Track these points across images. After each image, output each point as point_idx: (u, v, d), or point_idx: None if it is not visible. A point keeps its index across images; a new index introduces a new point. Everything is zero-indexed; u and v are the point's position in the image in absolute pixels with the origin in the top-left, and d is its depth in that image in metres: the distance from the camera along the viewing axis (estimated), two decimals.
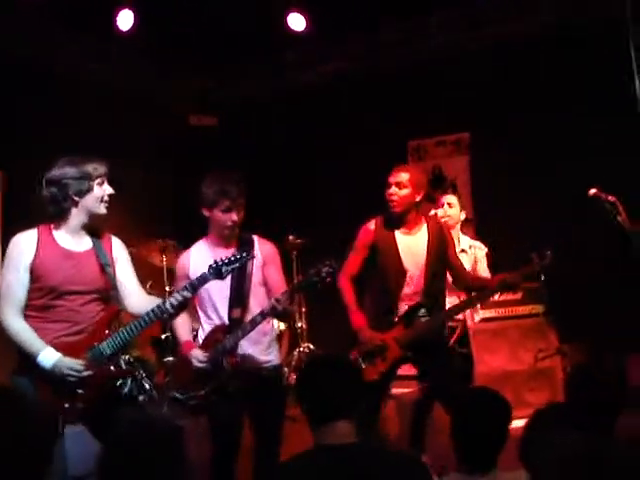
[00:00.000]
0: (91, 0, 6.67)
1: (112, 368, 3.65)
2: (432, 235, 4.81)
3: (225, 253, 4.18)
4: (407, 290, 4.75)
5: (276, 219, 7.65)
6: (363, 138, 8.05)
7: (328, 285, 4.07)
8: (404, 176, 4.73)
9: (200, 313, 4.36)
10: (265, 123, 8.69)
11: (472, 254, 5.96)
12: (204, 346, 4.21)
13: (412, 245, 4.78)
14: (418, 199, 4.76)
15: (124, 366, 3.83)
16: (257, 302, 4.22)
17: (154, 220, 8.09)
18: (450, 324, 5.49)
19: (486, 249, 6.01)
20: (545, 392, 6.29)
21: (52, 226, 3.70)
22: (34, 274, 3.59)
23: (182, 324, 4.33)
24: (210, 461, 4.21)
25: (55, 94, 7.48)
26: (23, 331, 3.57)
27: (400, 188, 4.71)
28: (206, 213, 4.24)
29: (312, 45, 8.19)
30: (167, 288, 7.22)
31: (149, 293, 6.93)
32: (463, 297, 5.32)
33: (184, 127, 8.89)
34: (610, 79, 6.86)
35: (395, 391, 6.07)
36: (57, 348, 3.54)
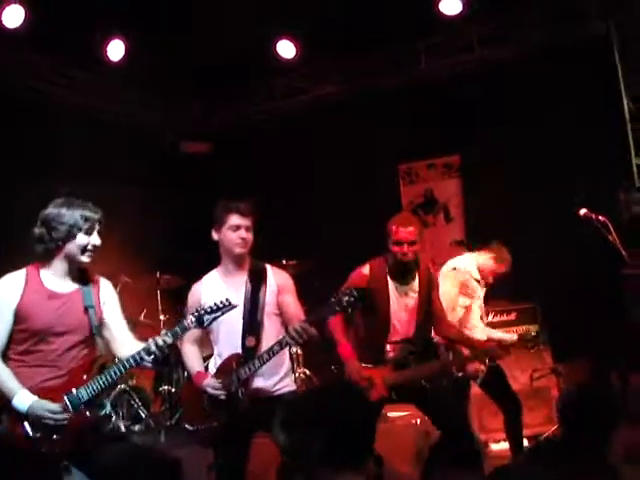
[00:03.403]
0: (81, 31, 6.69)
1: (87, 414, 3.54)
2: (423, 282, 4.85)
3: (236, 282, 4.22)
4: (394, 337, 4.81)
5: (271, 243, 7.66)
6: (355, 163, 8.09)
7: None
8: (413, 231, 4.73)
9: (212, 342, 4.36)
10: (258, 148, 8.73)
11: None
12: (218, 375, 4.19)
13: (403, 292, 4.83)
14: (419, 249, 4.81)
15: (108, 407, 3.76)
16: (271, 331, 4.21)
17: (149, 250, 8.08)
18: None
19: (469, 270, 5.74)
20: (541, 412, 6.31)
21: (40, 266, 3.67)
22: (19, 316, 3.54)
23: (191, 355, 4.33)
24: None
25: (46, 124, 7.50)
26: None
27: (413, 245, 4.73)
28: (215, 236, 4.24)
29: (303, 70, 8.25)
30: (161, 317, 7.23)
31: (143, 323, 7.00)
32: None
33: (176, 155, 8.92)
34: (599, 97, 6.93)
35: (390, 414, 6.09)
36: (38, 393, 3.48)
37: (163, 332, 3.70)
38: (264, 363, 4.07)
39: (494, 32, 7.51)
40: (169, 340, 3.57)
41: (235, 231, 4.19)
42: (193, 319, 3.69)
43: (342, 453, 2.29)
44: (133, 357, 3.56)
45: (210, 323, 3.78)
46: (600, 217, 5.19)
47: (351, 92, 8.25)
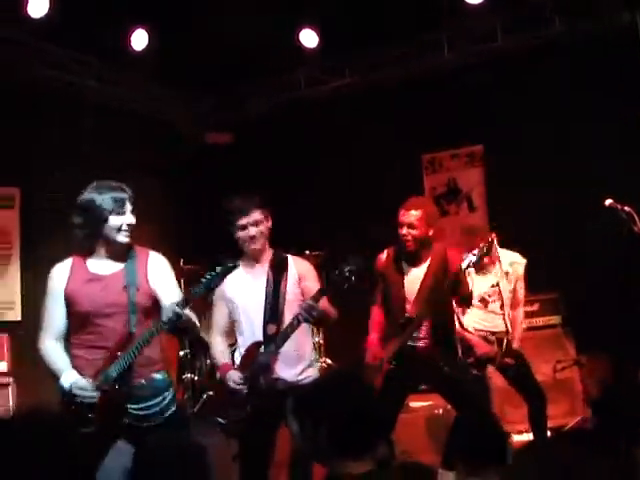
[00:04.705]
0: (104, 21, 6.71)
1: (118, 390, 3.61)
2: (433, 263, 4.85)
3: (258, 272, 4.32)
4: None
5: (293, 234, 7.68)
6: (378, 153, 8.06)
7: (354, 286, 4.08)
8: (415, 215, 4.77)
9: (237, 334, 4.43)
10: (280, 139, 8.72)
11: (514, 273, 5.60)
12: (241, 367, 4.25)
13: (417, 276, 4.86)
14: (431, 234, 4.82)
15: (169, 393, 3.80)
16: None
17: (171, 240, 8.13)
18: (493, 337, 5.52)
19: (525, 260, 5.65)
20: (564, 403, 6.29)
21: (86, 252, 3.79)
22: (68, 301, 3.71)
23: (218, 347, 4.41)
24: (238, 479, 4.24)
25: (70, 115, 7.57)
26: (51, 352, 3.70)
27: (412, 228, 4.76)
28: (235, 235, 4.34)
29: (325, 60, 8.23)
30: None
31: None
32: None
33: (199, 145, 8.94)
34: (623, 88, 6.86)
35: (412, 404, 6.10)
36: (90, 373, 3.61)
37: (174, 302, 3.64)
38: (282, 344, 4.13)
39: (518, 21, 7.43)
40: (178, 309, 3.55)
41: (243, 230, 4.29)
42: (201, 285, 3.65)
43: (350, 441, 2.32)
44: (150, 331, 3.62)
45: (216, 286, 3.77)
46: (626, 207, 5.15)
47: (375, 82, 8.21)
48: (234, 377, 4.18)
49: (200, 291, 3.64)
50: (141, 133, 8.13)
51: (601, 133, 6.95)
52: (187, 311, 3.60)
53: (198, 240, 8.19)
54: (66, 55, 7.45)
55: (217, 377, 4.65)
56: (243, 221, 4.27)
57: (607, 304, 6.57)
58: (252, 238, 4.28)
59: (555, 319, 6.74)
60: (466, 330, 5.37)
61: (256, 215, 4.28)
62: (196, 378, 7.13)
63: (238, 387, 4.15)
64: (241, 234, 4.30)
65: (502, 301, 5.53)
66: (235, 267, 3.78)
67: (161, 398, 3.74)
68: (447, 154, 8.24)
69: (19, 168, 7.21)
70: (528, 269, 5.67)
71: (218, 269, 3.70)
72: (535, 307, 6.78)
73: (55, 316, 3.74)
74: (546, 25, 7.29)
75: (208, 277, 3.65)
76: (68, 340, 3.76)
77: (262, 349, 4.20)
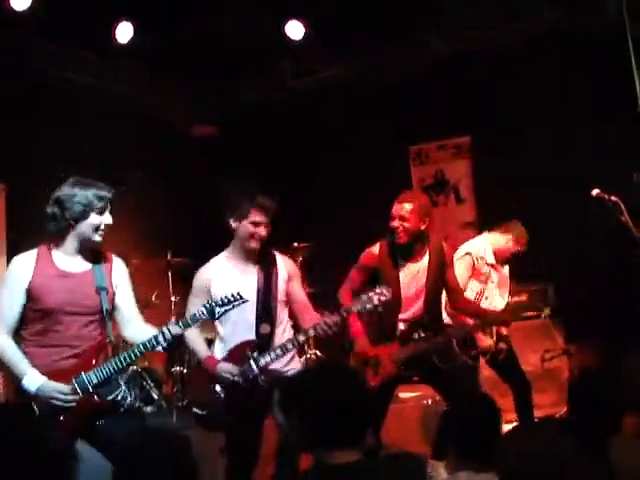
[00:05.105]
0: (88, 14, 6.67)
1: (95, 398, 3.55)
2: (433, 259, 4.83)
3: (247, 268, 4.26)
4: (404, 316, 4.82)
5: (279, 226, 7.66)
6: (365, 145, 8.06)
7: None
8: (407, 208, 4.72)
9: (220, 327, 4.33)
10: (266, 131, 8.69)
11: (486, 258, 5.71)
12: (231, 360, 4.19)
13: (413, 271, 4.82)
14: (423, 227, 4.77)
15: (123, 387, 3.75)
16: (283, 318, 4.30)
17: (159, 232, 8.11)
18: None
19: (487, 245, 5.74)
20: (552, 393, 6.30)
21: (51, 245, 3.68)
22: (31, 295, 3.59)
23: (197, 339, 4.32)
24: (225, 471, 4.22)
25: (55, 109, 7.52)
26: (8, 349, 3.58)
27: (404, 221, 4.72)
28: (233, 224, 4.25)
29: (311, 52, 8.20)
30: (172, 298, 7.24)
31: (155, 304, 7.03)
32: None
33: (185, 138, 8.90)
34: (611, 81, 6.86)
35: (401, 395, 6.11)
36: (49, 374, 3.51)
37: (173, 321, 3.67)
38: (287, 352, 4.15)
39: (507, 13, 7.42)
40: (179, 330, 3.59)
41: (255, 227, 4.20)
42: (205, 311, 3.69)
43: (336, 431, 2.32)
44: (144, 344, 3.59)
45: (221, 315, 3.77)
46: (612, 197, 5.16)
47: (361, 73, 8.19)
48: (231, 370, 4.12)
49: (203, 316, 3.67)
50: (127, 126, 8.07)
51: (589, 124, 6.95)
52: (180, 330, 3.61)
53: (185, 232, 8.17)
54: (48, 46, 7.39)
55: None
56: (260, 219, 4.19)
57: (596, 293, 6.59)
58: (260, 238, 4.22)
59: (543, 310, 6.75)
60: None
61: (271, 217, 4.24)
62: (185, 371, 7.10)
63: (234, 378, 4.10)
64: (251, 229, 4.19)
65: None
66: (244, 301, 3.79)
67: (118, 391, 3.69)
68: (434, 145, 8.24)
69: (6, 164, 7.16)
70: (516, 258, 5.70)
71: (224, 298, 3.73)
72: (523, 298, 6.79)
73: (11, 309, 3.58)
74: (536, 17, 7.28)
75: (212, 304, 3.68)
76: (18, 335, 3.62)
77: (256, 349, 4.15)
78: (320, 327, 4.06)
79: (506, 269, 5.84)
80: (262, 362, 4.11)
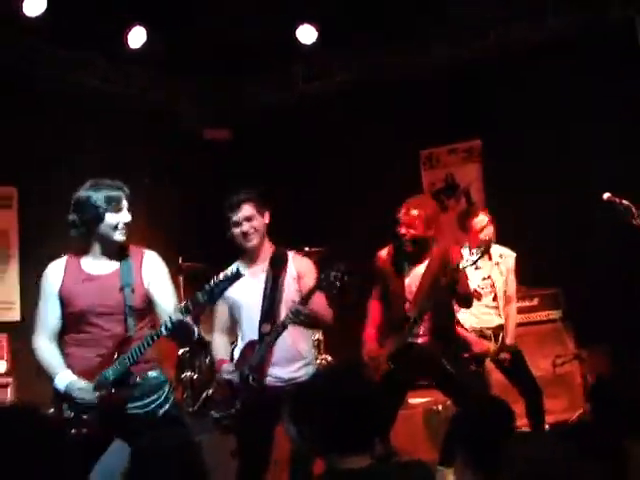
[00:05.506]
0: (101, 18, 6.71)
1: (115, 394, 3.60)
2: (432, 262, 4.81)
3: (256, 270, 4.27)
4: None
5: (291, 231, 7.66)
6: (376, 149, 8.05)
7: (343, 289, 4.03)
8: (414, 214, 4.73)
9: (238, 331, 4.41)
10: (278, 135, 8.70)
11: (504, 263, 5.66)
12: (237, 365, 4.23)
13: (417, 274, 4.83)
14: (430, 234, 4.78)
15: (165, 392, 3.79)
16: None
17: (170, 236, 8.11)
18: (489, 332, 5.55)
19: (514, 254, 5.72)
20: (564, 398, 6.29)
21: (80, 251, 3.77)
22: (63, 300, 3.71)
23: (218, 344, 4.38)
24: (236, 475, 4.23)
25: (65, 112, 7.55)
26: (45, 352, 3.70)
27: (410, 227, 4.73)
28: (230, 234, 4.30)
29: (323, 56, 8.21)
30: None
31: None
32: None
33: (197, 141, 8.92)
34: (620, 83, 6.83)
35: (411, 401, 6.09)
36: (83, 372, 3.61)
37: (177, 307, 3.63)
38: (270, 347, 4.11)
39: (515, 16, 7.41)
40: (181, 316, 3.54)
41: (237, 227, 4.22)
42: (204, 293, 3.60)
43: (347, 437, 2.33)
44: (151, 336, 3.60)
45: (221, 295, 3.71)
46: (624, 201, 5.14)
47: (372, 78, 8.19)
48: (226, 369, 4.19)
49: (202, 299, 3.58)
50: (139, 129, 8.09)
51: (600, 128, 6.92)
52: (187, 318, 3.58)
53: (196, 236, 8.17)
54: (60, 52, 7.44)
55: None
56: (235, 217, 4.21)
57: (608, 298, 6.56)
58: (245, 235, 4.21)
59: (555, 314, 6.72)
60: (462, 327, 5.36)
61: (248, 210, 4.20)
62: (195, 376, 7.10)
63: (228, 377, 4.14)
64: (234, 231, 4.23)
65: (495, 293, 5.56)
66: (240, 276, 3.69)
67: (156, 396, 3.72)
68: (445, 149, 8.22)
69: (17, 167, 7.20)
70: (528, 263, 5.68)
71: (222, 277, 3.64)
72: (535, 302, 6.77)
73: (49, 316, 3.73)
74: (544, 20, 7.27)
75: (212, 285, 3.58)
76: (62, 339, 3.76)
77: (257, 348, 4.18)
78: (288, 314, 4.01)
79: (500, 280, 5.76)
80: (253, 360, 4.13)
